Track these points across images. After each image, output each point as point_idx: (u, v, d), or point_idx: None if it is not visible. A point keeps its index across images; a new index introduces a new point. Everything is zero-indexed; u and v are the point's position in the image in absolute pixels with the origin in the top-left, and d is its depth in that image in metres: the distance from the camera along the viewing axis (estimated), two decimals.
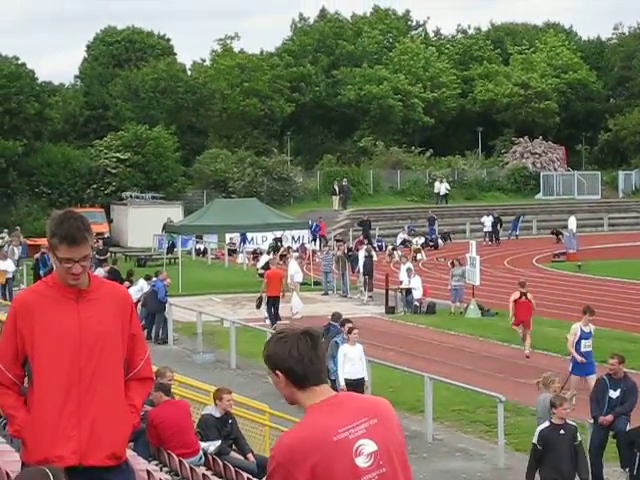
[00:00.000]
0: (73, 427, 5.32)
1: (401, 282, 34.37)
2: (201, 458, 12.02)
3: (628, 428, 15.17)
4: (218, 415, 13.14)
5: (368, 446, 4.18)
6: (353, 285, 38.13)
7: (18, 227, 49.53)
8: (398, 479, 4.25)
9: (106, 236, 51.90)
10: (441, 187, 68.02)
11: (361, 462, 4.15)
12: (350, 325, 18.83)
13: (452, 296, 33.40)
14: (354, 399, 4.37)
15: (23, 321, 5.36)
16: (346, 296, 37.48)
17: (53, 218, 5.39)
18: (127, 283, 28.90)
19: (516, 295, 25.41)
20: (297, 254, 40.00)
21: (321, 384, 4.27)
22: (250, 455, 13.27)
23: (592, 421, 15.37)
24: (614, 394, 15.26)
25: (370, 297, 36.24)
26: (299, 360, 4.21)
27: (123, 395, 5.50)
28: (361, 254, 38.10)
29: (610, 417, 15.10)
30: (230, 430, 13.18)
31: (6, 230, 49.49)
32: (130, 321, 5.55)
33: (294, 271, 34.90)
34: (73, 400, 5.32)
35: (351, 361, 18.29)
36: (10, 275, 35.76)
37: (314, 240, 50.84)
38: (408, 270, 34.42)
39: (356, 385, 17.82)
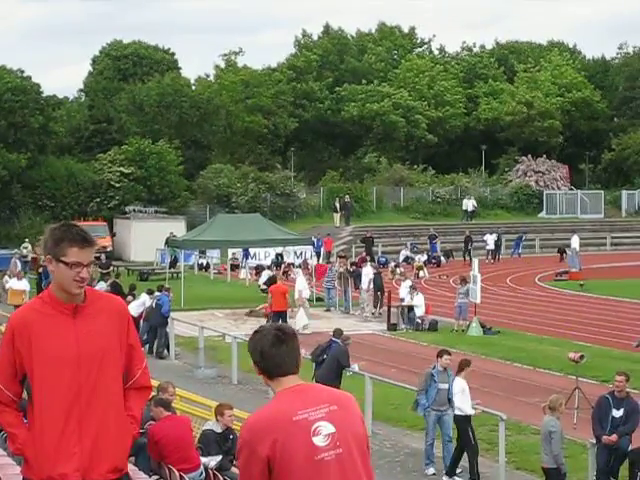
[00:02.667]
0: (75, 444, 5.29)
1: (402, 299, 34.37)
2: (202, 473, 12.00)
3: (630, 448, 15.12)
4: (219, 430, 13.12)
5: (326, 428, 4.61)
6: (355, 301, 38.09)
7: (40, 238, 49.60)
8: (355, 460, 4.66)
9: (109, 250, 51.98)
10: (468, 204, 68.86)
11: (318, 441, 4.59)
12: (450, 356, 17.64)
13: (456, 313, 33.40)
14: (316, 389, 4.85)
15: (21, 339, 5.31)
16: (348, 312, 37.45)
17: (55, 228, 5.35)
18: (130, 297, 28.91)
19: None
20: (301, 269, 39.89)
21: (287, 375, 4.73)
22: None
23: (594, 440, 15.27)
24: (617, 413, 15.15)
25: (380, 313, 36.07)
26: (263, 354, 4.72)
27: (123, 408, 5.48)
28: (366, 271, 37.85)
29: (615, 437, 14.97)
30: (231, 445, 13.13)
31: (27, 239, 49.61)
32: (127, 332, 5.52)
33: (302, 287, 34.74)
34: (74, 417, 5.29)
35: (467, 396, 16.81)
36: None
37: (318, 256, 50.81)
38: (410, 287, 34.42)
39: (470, 420, 16.71)
